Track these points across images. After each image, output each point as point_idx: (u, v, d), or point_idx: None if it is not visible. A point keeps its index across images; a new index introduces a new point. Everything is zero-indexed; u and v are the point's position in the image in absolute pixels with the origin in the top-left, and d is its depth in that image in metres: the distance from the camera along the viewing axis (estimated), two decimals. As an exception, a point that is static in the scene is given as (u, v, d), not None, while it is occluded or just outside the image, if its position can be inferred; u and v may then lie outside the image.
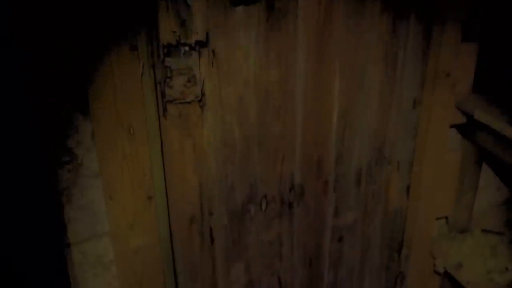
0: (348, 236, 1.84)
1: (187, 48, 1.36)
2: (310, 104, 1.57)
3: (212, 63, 1.41)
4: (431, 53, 1.65)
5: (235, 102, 1.48)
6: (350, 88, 1.60)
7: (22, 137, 1.22)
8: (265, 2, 1.40)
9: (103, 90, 1.30)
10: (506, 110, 1.62)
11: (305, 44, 1.49)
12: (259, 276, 1.77)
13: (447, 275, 1.93)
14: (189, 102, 1.42)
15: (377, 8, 1.53)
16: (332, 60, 1.54)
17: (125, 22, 1.26)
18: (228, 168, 1.56)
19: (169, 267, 1.58)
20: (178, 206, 1.54)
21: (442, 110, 1.73)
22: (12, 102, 1.18)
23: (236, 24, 1.39)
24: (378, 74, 1.62)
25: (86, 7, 1.21)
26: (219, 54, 1.41)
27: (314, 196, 1.72)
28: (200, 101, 1.43)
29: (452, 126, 1.79)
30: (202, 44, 1.37)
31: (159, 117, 1.41)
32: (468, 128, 1.77)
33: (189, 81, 1.39)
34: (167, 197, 1.51)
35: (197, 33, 1.34)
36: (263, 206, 1.66)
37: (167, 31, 1.32)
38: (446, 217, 1.95)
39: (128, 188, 1.42)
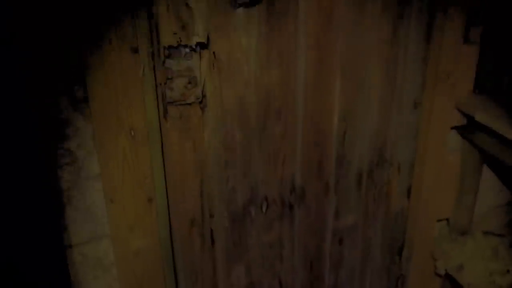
0: (349, 238, 1.84)
1: (188, 50, 1.36)
2: (311, 105, 1.57)
3: (213, 64, 1.41)
4: (431, 55, 1.65)
5: (236, 103, 1.48)
6: (351, 89, 1.60)
7: (23, 139, 1.22)
8: (266, 3, 1.40)
9: (104, 92, 1.30)
10: (507, 112, 1.61)
11: (306, 46, 1.49)
12: (260, 278, 1.76)
13: (448, 277, 1.93)
14: (189, 104, 1.42)
15: (378, 9, 1.53)
16: (333, 61, 1.54)
17: (126, 23, 1.27)
18: (229, 170, 1.56)
19: (169, 269, 1.58)
20: (179, 208, 1.54)
21: (443, 112, 1.73)
22: (12, 103, 1.18)
23: (237, 26, 1.40)
24: (378, 76, 1.62)
25: (86, 7, 1.22)
26: (219, 55, 1.41)
27: (315, 198, 1.72)
28: (200, 102, 1.43)
29: (453, 128, 1.78)
30: (203, 46, 1.37)
31: (159, 119, 1.41)
32: (469, 130, 1.77)
33: (189, 82, 1.39)
34: (167, 199, 1.51)
35: (198, 34, 1.34)
36: (264, 208, 1.66)
37: (168, 32, 1.33)
38: (447, 219, 1.95)
39: (129, 190, 1.41)
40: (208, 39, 1.37)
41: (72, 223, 1.39)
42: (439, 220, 1.94)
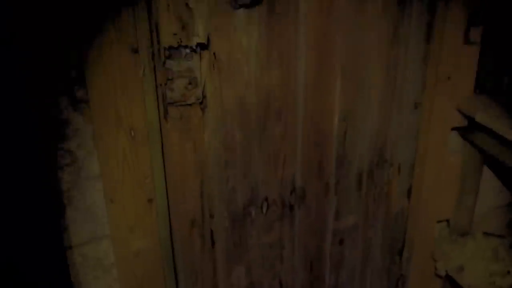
0: (349, 239, 1.84)
1: (188, 51, 1.36)
2: (311, 106, 1.57)
3: (213, 65, 1.41)
4: (432, 55, 1.65)
5: (236, 104, 1.48)
6: (351, 89, 1.60)
7: (23, 139, 1.22)
8: (266, 4, 1.40)
9: (104, 92, 1.30)
10: (508, 112, 1.61)
11: (306, 46, 1.49)
12: (260, 279, 1.76)
13: (448, 278, 1.93)
14: (190, 104, 1.42)
15: (378, 9, 1.53)
16: (333, 62, 1.54)
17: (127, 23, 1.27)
18: (229, 171, 1.55)
19: (169, 270, 1.58)
20: (179, 208, 1.54)
21: (443, 113, 1.73)
22: (12, 104, 1.18)
23: (237, 27, 1.40)
24: (379, 76, 1.62)
25: (86, 7, 1.22)
26: (220, 56, 1.41)
27: (315, 199, 1.71)
28: (201, 103, 1.43)
29: (453, 129, 1.78)
30: (203, 47, 1.37)
31: (160, 120, 1.41)
32: (470, 131, 1.77)
33: (190, 83, 1.39)
34: (167, 199, 1.51)
35: (198, 35, 1.34)
36: (264, 209, 1.66)
37: (168, 33, 1.32)
38: (447, 220, 1.95)
39: (129, 190, 1.41)
40: (208, 39, 1.37)
41: (72, 224, 1.39)
42: (439, 221, 1.94)
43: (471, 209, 1.93)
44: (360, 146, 1.69)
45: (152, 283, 1.55)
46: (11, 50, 1.14)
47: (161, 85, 1.37)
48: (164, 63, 1.35)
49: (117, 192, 1.40)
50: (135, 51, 1.29)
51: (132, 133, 1.36)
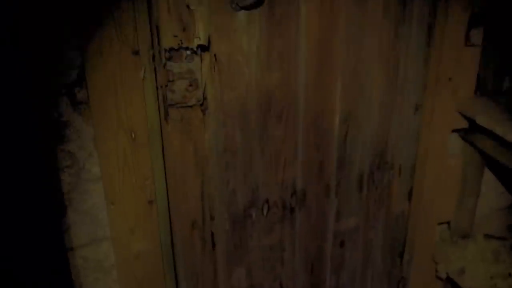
0: (350, 241, 1.84)
1: (189, 52, 1.36)
2: (312, 107, 1.57)
3: (214, 67, 1.41)
4: (432, 57, 1.65)
5: (237, 106, 1.48)
6: (352, 91, 1.60)
7: (23, 141, 1.22)
8: (267, 6, 1.40)
9: (105, 94, 1.30)
10: (508, 114, 1.61)
11: (307, 48, 1.49)
12: (261, 281, 1.76)
13: (449, 281, 1.92)
14: (191, 106, 1.42)
15: (379, 11, 1.53)
16: (334, 63, 1.54)
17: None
18: (230, 173, 1.55)
19: (170, 272, 1.58)
20: (180, 210, 1.54)
21: (444, 115, 1.73)
22: (13, 105, 1.18)
23: (238, 28, 1.40)
24: (380, 78, 1.62)
25: (87, 8, 1.22)
26: (220, 58, 1.41)
27: (316, 201, 1.71)
28: (201, 105, 1.43)
29: (454, 131, 1.78)
30: (204, 48, 1.37)
31: (160, 121, 1.41)
32: (470, 133, 1.77)
33: (191, 85, 1.39)
34: (168, 201, 1.50)
35: (199, 37, 1.34)
36: (265, 211, 1.65)
37: (169, 35, 1.32)
38: (448, 222, 1.95)
39: (129, 192, 1.41)
40: (209, 41, 1.37)
41: (72, 226, 1.39)
42: (440, 223, 1.94)
43: (472, 211, 1.93)
44: (361, 147, 1.69)
45: (152, 285, 1.55)
46: (11, 50, 1.14)
47: (161, 86, 1.37)
48: (165, 64, 1.35)
49: (118, 193, 1.40)
50: (136, 52, 1.29)
51: (133, 135, 1.36)
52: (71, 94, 1.28)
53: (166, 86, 1.37)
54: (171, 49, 1.34)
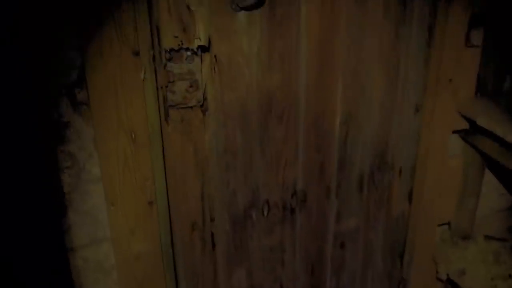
0: (350, 242, 1.84)
1: (189, 53, 1.36)
2: (312, 108, 1.57)
3: (214, 68, 1.41)
4: (433, 58, 1.65)
5: (237, 107, 1.48)
6: (352, 92, 1.60)
7: (23, 141, 1.22)
8: (268, 7, 1.40)
9: (105, 95, 1.29)
10: (509, 115, 1.61)
11: (307, 49, 1.49)
12: (261, 282, 1.76)
13: (450, 282, 1.92)
14: (191, 107, 1.42)
15: (380, 12, 1.53)
16: (335, 64, 1.54)
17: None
18: (230, 173, 1.55)
19: (170, 273, 1.58)
20: (180, 211, 1.54)
21: (444, 116, 1.73)
22: (13, 106, 1.18)
23: (239, 29, 1.40)
24: (380, 80, 1.62)
25: (87, 8, 1.22)
26: (221, 58, 1.41)
27: (316, 202, 1.71)
28: (202, 106, 1.43)
29: (454, 132, 1.78)
30: (204, 49, 1.37)
31: (161, 122, 1.41)
32: (471, 134, 1.77)
33: (191, 86, 1.39)
34: (168, 202, 1.50)
35: (199, 38, 1.34)
36: (265, 212, 1.65)
37: (169, 36, 1.32)
38: (449, 223, 1.95)
39: (129, 193, 1.41)
40: (209, 42, 1.37)
41: (72, 226, 1.39)
42: (440, 224, 1.94)
43: (472, 212, 1.93)
44: (361, 148, 1.69)
45: (152, 286, 1.55)
46: (11, 50, 1.14)
47: (162, 87, 1.37)
48: (165, 65, 1.35)
49: (118, 194, 1.40)
50: (136, 53, 1.29)
51: (133, 136, 1.36)
52: (71, 94, 1.28)
53: (167, 87, 1.37)
54: (172, 50, 1.34)
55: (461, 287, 1.85)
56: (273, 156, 1.58)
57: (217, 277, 1.68)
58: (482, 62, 1.69)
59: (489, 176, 1.90)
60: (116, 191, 1.40)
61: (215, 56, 1.40)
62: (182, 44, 1.34)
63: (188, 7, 1.31)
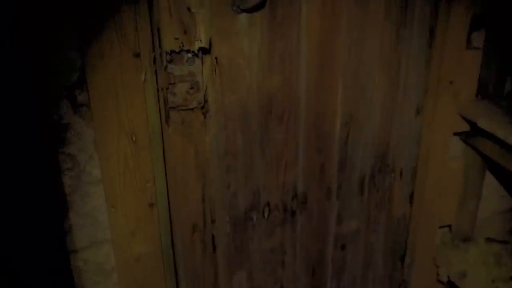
0: (351, 244, 1.83)
1: (190, 55, 1.36)
2: (313, 110, 1.56)
3: (215, 69, 1.41)
4: (434, 60, 1.65)
5: (238, 108, 1.48)
6: (353, 95, 1.60)
7: (24, 143, 1.22)
8: (268, 8, 1.40)
9: (105, 96, 1.29)
10: (510, 118, 1.61)
11: (308, 50, 1.49)
12: (262, 284, 1.76)
13: (450, 284, 1.92)
14: (192, 109, 1.42)
15: (381, 14, 1.53)
16: (335, 66, 1.54)
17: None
18: (231, 175, 1.55)
19: (170, 275, 1.57)
20: (180, 213, 1.54)
21: (445, 118, 1.73)
22: (13, 108, 1.18)
23: (239, 31, 1.39)
24: (381, 81, 1.62)
25: (88, 10, 1.22)
26: (222, 60, 1.41)
27: (317, 204, 1.71)
28: (203, 107, 1.43)
29: (455, 134, 1.78)
30: (205, 51, 1.37)
31: (161, 124, 1.41)
32: (472, 136, 1.76)
33: (192, 87, 1.39)
34: (169, 204, 1.50)
35: (200, 40, 1.34)
36: (266, 214, 1.65)
37: (170, 37, 1.32)
38: (449, 226, 1.94)
39: (130, 195, 1.41)
40: (210, 44, 1.37)
41: (73, 228, 1.39)
42: (441, 226, 1.94)
43: (473, 215, 1.93)
44: (362, 150, 1.69)
45: (153, 288, 1.55)
46: (12, 52, 1.14)
47: (162, 89, 1.37)
48: (166, 67, 1.35)
49: (118, 196, 1.40)
50: (137, 55, 1.29)
51: (134, 138, 1.36)
52: (72, 96, 1.28)
53: (167, 88, 1.37)
54: (172, 51, 1.34)
55: (462, 289, 1.85)
56: (273, 158, 1.58)
57: (217, 279, 1.68)
58: (483, 64, 1.69)
59: (490, 178, 1.90)
60: (117, 193, 1.39)
61: (216, 58, 1.40)
62: (183, 46, 1.34)
63: (189, 9, 1.31)
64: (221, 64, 1.41)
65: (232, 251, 1.66)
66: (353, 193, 1.75)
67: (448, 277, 1.91)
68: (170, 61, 1.35)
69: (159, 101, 1.38)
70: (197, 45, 1.35)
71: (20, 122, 1.20)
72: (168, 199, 1.49)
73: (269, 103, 1.51)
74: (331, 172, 1.68)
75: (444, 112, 1.72)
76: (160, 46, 1.33)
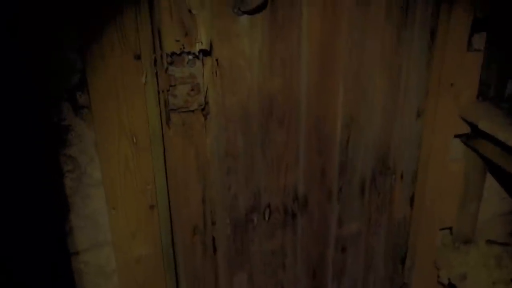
0: (352, 247, 1.83)
1: (191, 57, 1.36)
2: (314, 112, 1.56)
3: (216, 71, 1.41)
4: (435, 62, 1.65)
5: (239, 110, 1.48)
6: (354, 97, 1.60)
7: (25, 145, 1.22)
8: (269, 11, 1.40)
9: (106, 98, 1.29)
10: (511, 120, 1.61)
11: (309, 53, 1.49)
12: (262, 287, 1.75)
13: (451, 287, 1.92)
14: (192, 111, 1.42)
15: (381, 16, 1.53)
16: (336, 68, 1.54)
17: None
18: (231, 177, 1.55)
19: (171, 277, 1.57)
20: (181, 215, 1.54)
21: (446, 120, 1.73)
22: (14, 110, 1.18)
23: (240, 33, 1.39)
24: (382, 84, 1.62)
25: (89, 12, 1.22)
26: (222, 62, 1.41)
27: (318, 206, 1.71)
28: (203, 109, 1.43)
29: (456, 136, 1.78)
30: (206, 53, 1.37)
31: (162, 126, 1.40)
32: (472, 138, 1.76)
33: (192, 89, 1.39)
34: (169, 206, 1.50)
35: (201, 41, 1.34)
36: (266, 216, 1.65)
37: (171, 39, 1.32)
38: (450, 228, 1.94)
39: (131, 196, 1.41)
40: (211, 46, 1.37)
41: (74, 230, 1.39)
42: (442, 229, 1.93)
43: (474, 217, 1.93)
44: (363, 152, 1.69)
45: (153, 290, 1.54)
46: (12, 53, 1.14)
47: (163, 91, 1.37)
48: (167, 69, 1.35)
49: (119, 198, 1.40)
50: (138, 57, 1.29)
51: (134, 139, 1.36)
52: (73, 98, 1.28)
53: (168, 90, 1.37)
54: (173, 53, 1.34)
55: (463, 292, 1.84)
56: (274, 160, 1.58)
57: (218, 281, 1.68)
58: (484, 66, 1.69)
59: (490, 180, 1.90)
60: (117, 195, 1.39)
61: (216, 59, 1.40)
62: (184, 47, 1.34)
63: (190, 11, 1.31)
64: (222, 66, 1.41)
65: (232, 253, 1.66)
66: (354, 196, 1.74)
67: (449, 279, 1.90)
68: (170, 63, 1.34)
69: (159, 103, 1.38)
70: (198, 47, 1.35)
71: (21, 124, 1.20)
72: (169, 201, 1.49)
73: (270, 105, 1.51)
74: (332, 175, 1.68)
75: (445, 114, 1.72)
76: (160, 48, 1.33)
